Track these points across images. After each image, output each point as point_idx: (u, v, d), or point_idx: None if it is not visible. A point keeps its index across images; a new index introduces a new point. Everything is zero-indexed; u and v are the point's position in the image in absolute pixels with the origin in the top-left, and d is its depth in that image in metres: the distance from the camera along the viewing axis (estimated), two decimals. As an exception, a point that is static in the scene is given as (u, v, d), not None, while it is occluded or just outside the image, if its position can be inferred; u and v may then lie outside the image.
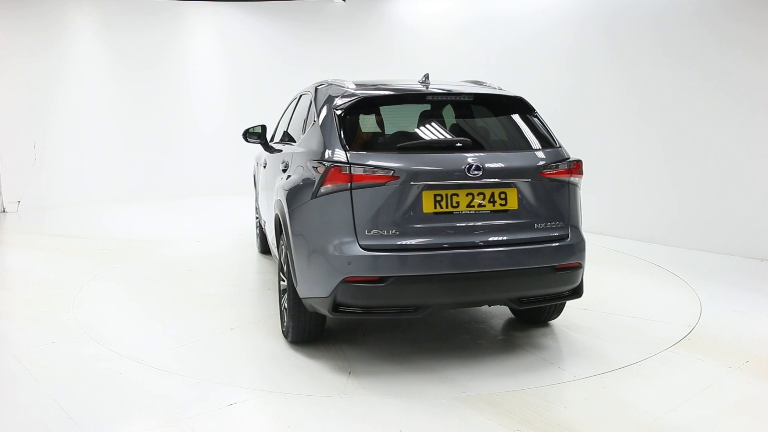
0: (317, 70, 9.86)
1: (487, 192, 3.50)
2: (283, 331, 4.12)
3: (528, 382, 3.48)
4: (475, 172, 3.45)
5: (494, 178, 3.49)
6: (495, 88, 4.24)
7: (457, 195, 3.46)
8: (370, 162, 3.43)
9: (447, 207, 3.45)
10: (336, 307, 3.46)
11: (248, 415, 3.15)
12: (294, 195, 3.76)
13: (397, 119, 4.28)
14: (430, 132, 4.01)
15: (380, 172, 3.39)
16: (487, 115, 4.14)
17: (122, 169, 10.33)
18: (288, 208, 3.81)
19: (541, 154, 3.73)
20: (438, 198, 3.44)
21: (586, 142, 7.86)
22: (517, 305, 3.64)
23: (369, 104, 4.02)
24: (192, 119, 10.90)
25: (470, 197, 3.48)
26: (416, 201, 3.40)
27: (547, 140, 3.86)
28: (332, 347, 3.99)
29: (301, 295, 3.68)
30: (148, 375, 3.61)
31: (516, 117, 4.00)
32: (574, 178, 3.77)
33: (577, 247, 3.69)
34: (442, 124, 4.06)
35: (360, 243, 3.37)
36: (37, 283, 5.49)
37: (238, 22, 11.03)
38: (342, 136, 3.58)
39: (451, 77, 8.29)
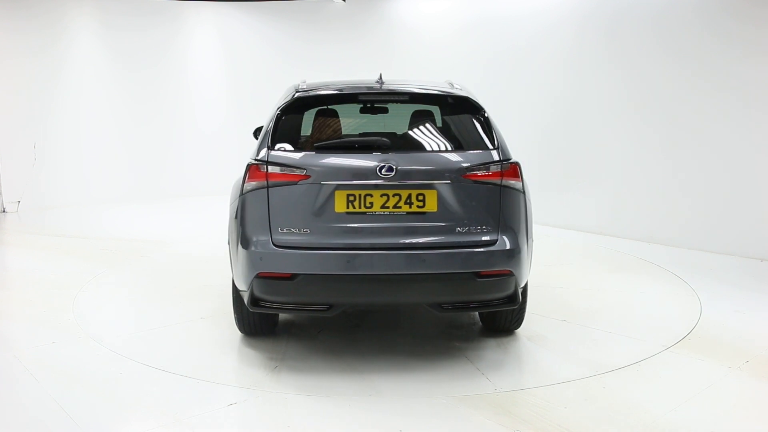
0: (317, 70, 9.85)
1: (404, 193, 3.45)
2: None
3: (451, 389, 3.41)
4: (387, 173, 3.42)
5: (408, 180, 3.45)
6: (455, 89, 4.07)
7: (371, 195, 3.45)
8: (284, 161, 3.52)
9: (360, 207, 3.44)
10: (255, 301, 3.54)
11: (248, 415, 3.15)
12: (233, 192, 3.87)
13: (336, 119, 4.22)
14: (357, 131, 4.02)
15: (293, 171, 3.48)
16: (428, 115, 4.09)
17: (122, 169, 10.31)
18: (229, 204, 3.93)
19: (468, 156, 3.60)
20: (351, 198, 3.44)
21: (586, 142, 7.86)
22: (437, 310, 3.54)
23: (305, 104, 3.96)
24: (192, 119, 10.89)
25: (385, 198, 3.45)
26: (328, 200, 3.45)
27: (484, 141, 3.71)
28: (278, 341, 4.09)
29: (238, 288, 3.78)
30: (147, 375, 3.61)
31: (459, 117, 3.92)
32: (508, 182, 3.59)
33: (507, 253, 3.51)
34: (375, 124, 4.06)
35: (273, 240, 3.47)
36: (37, 283, 5.48)
37: (238, 22, 11.02)
38: (271, 135, 3.68)
39: (450, 77, 8.29)
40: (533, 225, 3.89)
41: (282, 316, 4.43)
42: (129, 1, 10.20)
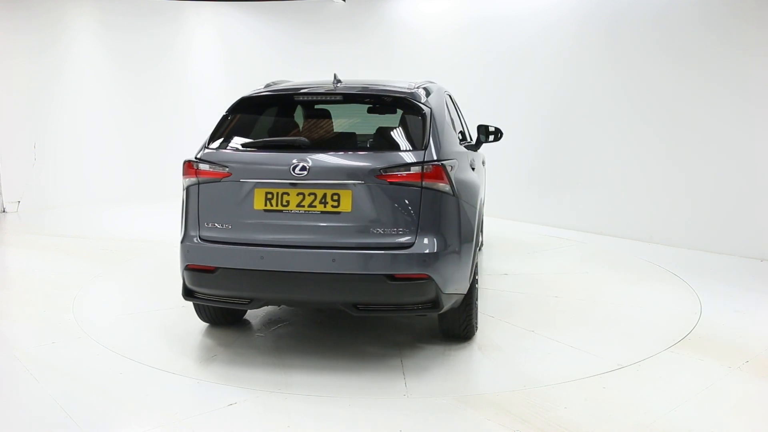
0: (317, 70, 9.83)
1: (319, 193, 3.47)
2: None
3: (360, 390, 3.39)
4: (300, 172, 3.46)
5: (320, 179, 3.47)
6: (403, 88, 3.98)
7: (288, 194, 3.51)
8: (212, 159, 3.69)
9: (277, 205, 3.52)
10: (189, 292, 3.76)
11: (248, 415, 3.15)
12: None
13: (279, 119, 4.24)
14: (285, 131, 4.05)
15: (217, 169, 3.64)
16: (366, 114, 4.08)
17: (122, 169, 10.32)
18: None
19: (387, 156, 3.52)
20: (269, 196, 3.53)
21: (586, 141, 7.86)
22: (352, 311, 3.50)
23: (250, 105, 4.04)
24: (192, 119, 10.89)
25: (301, 197, 3.49)
26: (248, 198, 3.56)
27: (412, 141, 3.62)
28: (237, 331, 4.26)
29: None
30: (148, 375, 3.61)
31: (397, 116, 3.89)
32: (431, 184, 3.48)
33: (424, 257, 3.42)
34: (309, 124, 4.10)
35: (200, 234, 3.67)
36: (37, 283, 5.49)
37: (238, 22, 11.03)
38: (211, 134, 3.86)
39: (449, 78, 8.29)
40: (475, 230, 3.81)
41: (263, 309, 4.60)
42: (129, 2, 10.20)
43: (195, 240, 3.67)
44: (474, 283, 3.94)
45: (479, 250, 6.54)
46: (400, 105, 3.88)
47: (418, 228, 3.46)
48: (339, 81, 4.09)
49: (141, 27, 10.34)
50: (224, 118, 3.94)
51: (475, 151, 5.33)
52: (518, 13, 8.40)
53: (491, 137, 5.29)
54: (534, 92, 8.28)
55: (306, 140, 3.75)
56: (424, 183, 3.47)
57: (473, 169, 4.36)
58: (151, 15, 10.40)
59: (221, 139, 3.83)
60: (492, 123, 5.62)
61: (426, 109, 3.78)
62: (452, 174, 3.62)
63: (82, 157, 9.93)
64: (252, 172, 3.58)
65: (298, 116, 4.19)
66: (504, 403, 3.24)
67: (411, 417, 3.12)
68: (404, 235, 3.45)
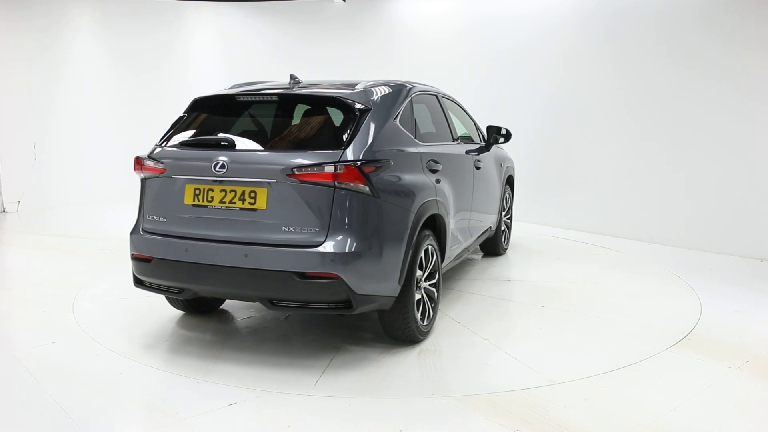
0: (317, 70, 9.85)
1: (238, 190, 3.60)
2: None
3: (262, 384, 3.42)
4: (220, 170, 3.60)
5: (238, 177, 3.59)
6: (350, 88, 3.99)
7: (213, 190, 3.67)
8: (154, 156, 3.94)
9: (203, 201, 3.70)
10: (137, 280, 4.01)
11: (248, 415, 3.15)
12: None
13: (224, 119, 4.27)
14: (225, 130, 4.10)
15: (157, 165, 3.89)
16: (302, 115, 4.10)
17: (122, 168, 10.28)
18: None
19: (303, 155, 3.53)
20: (197, 192, 3.72)
21: (587, 141, 7.86)
22: (268, 306, 3.59)
23: (202, 105, 4.19)
24: (192, 119, 10.91)
25: (223, 194, 3.64)
26: (179, 193, 3.77)
27: (332, 141, 3.62)
28: (208, 321, 4.45)
29: None
30: (147, 375, 3.61)
31: (328, 116, 3.89)
32: (345, 184, 3.47)
33: (332, 257, 3.43)
34: (247, 123, 4.18)
35: (142, 225, 3.96)
36: (37, 283, 5.49)
37: (238, 22, 11.03)
38: (165, 132, 4.09)
39: (449, 78, 8.29)
40: (407, 232, 3.75)
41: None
42: (129, 2, 10.20)
43: (140, 231, 3.93)
44: (410, 285, 3.83)
45: (503, 253, 6.47)
46: (334, 105, 3.89)
47: (329, 227, 3.49)
48: (297, 81, 4.21)
49: (141, 27, 10.34)
50: (179, 119, 4.14)
51: (478, 153, 5.33)
52: (518, 13, 8.40)
53: (501, 139, 5.70)
54: (534, 92, 8.28)
55: (230, 138, 3.83)
56: (336, 183, 3.48)
57: (435, 171, 4.24)
58: (151, 15, 10.40)
59: (169, 138, 4.04)
60: (494, 124, 5.94)
61: (358, 109, 3.77)
62: (375, 174, 3.58)
63: (82, 157, 9.94)
64: (181, 168, 3.79)
65: (242, 116, 4.22)
66: (504, 403, 3.24)
67: (411, 417, 3.12)
68: (315, 233, 3.49)
